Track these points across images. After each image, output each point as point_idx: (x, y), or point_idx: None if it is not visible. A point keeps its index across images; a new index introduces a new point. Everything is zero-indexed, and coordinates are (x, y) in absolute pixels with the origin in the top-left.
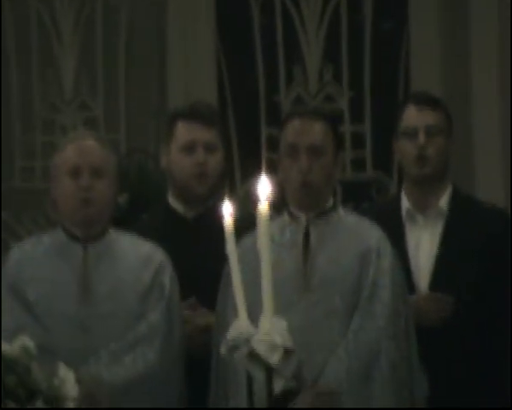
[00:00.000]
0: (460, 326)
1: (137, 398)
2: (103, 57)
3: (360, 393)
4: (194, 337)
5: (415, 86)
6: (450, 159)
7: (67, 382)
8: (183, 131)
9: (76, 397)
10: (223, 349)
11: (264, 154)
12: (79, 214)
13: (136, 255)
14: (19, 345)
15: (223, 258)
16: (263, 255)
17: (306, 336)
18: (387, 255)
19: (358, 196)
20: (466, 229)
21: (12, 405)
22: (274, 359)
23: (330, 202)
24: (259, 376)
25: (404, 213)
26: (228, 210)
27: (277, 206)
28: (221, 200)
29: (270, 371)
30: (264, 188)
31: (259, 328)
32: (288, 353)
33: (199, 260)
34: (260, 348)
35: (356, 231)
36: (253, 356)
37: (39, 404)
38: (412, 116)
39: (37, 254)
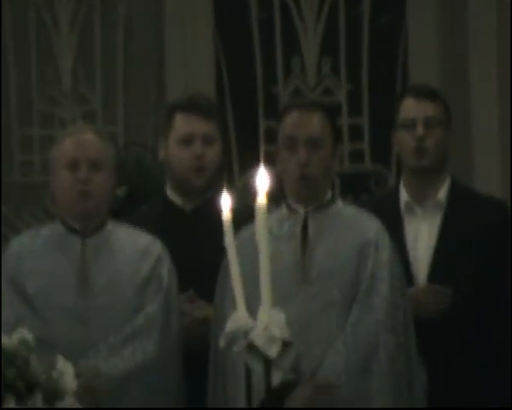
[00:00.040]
0: (458, 318)
1: (136, 390)
2: (101, 50)
3: (358, 386)
4: (192, 330)
5: (412, 79)
6: (448, 151)
7: (66, 374)
8: (182, 124)
9: (75, 390)
10: (221, 342)
11: (263, 146)
12: (78, 207)
13: (134, 248)
14: (18, 338)
15: (221, 250)
16: (261, 248)
17: (304, 328)
18: (386, 248)
19: (357, 189)
20: (464, 220)
21: (11, 398)
22: (272, 351)
23: (329, 195)
24: (258, 368)
25: (402, 205)
26: (226, 202)
27: (275, 198)
28: (219, 192)
29: (268, 363)
30: (262, 180)
31: (258, 320)
32: (286, 345)
33: (197, 253)
34: (259, 341)
35: (354, 224)
36: (252, 349)
37: (38, 397)
38: (411, 108)
39: (35, 247)
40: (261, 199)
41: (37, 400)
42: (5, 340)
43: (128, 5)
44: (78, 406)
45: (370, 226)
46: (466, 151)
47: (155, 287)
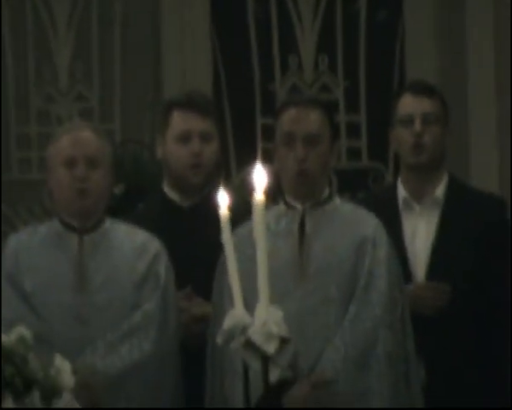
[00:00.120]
0: (456, 315)
1: (133, 387)
2: (98, 47)
3: (357, 382)
4: (189, 327)
5: (410, 76)
6: (446, 148)
7: (64, 372)
8: (179, 121)
9: (72, 387)
10: (219, 338)
11: (260, 143)
12: (75, 205)
13: (131, 245)
14: (16, 335)
15: (218, 247)
16: (258, 244)
17: (302, 324)
18: (383, 245)
19: (354, 186)
20: (462, 217)
21: (9, 395)
22: (270, 348)
23: (326, 192)
24: (255, 365)
25: (400, 201)
26: (223, 199)
27: (273, 195)
28: (217, 189)
29: (266, 360)
30: (259, 177)
31: (255, 317)
32: (284, 342)
33: (194, 250)
34: (256, 338)
35: (352, 220)
36: (249, 345)
37: (36, 394)
38: (408, 104)
39: (33, 245)
40: (258, 196)
41: (35, 397)
42: (3, 337)
43: (125, 2)
44: (75, 403)
45: (368, 223)
46: (463, 148)
47: (153, 284)
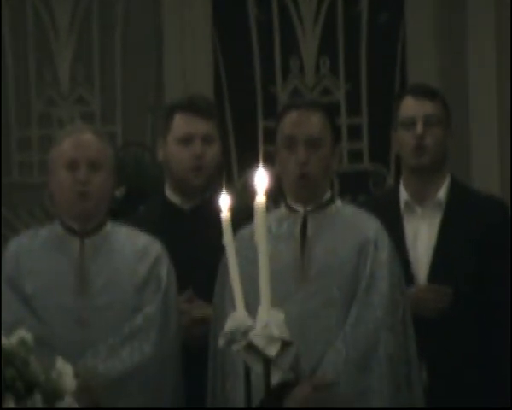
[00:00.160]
0: (458, 317)
1: (134, 390)
2: (100, 50)
3: (358, 384)
4: (190, 329)
5: (411, 79)
6: (448, 150)
7: (65, 375)
8: (181, 124)
9: (74, 390)
10: (220, 341)
11: (261, 146)
12: (76, 208)
13: (132, 248)
14: (17, 338)
15: (220, 250)
16: (260, 247)
17: (304, 326)
18: (385, 247)
19: (356, 189)
20: (464, 219)
21: (11, 398)
22: (272, 351)
23: (328, 194)
24: (257, 368)
25: (402, 204)
26: (225, 202)
27: (275, 198)
28: (218, 192)
29: (267, 363)
30: (261, 180)
31: (257, 320)
32: (285, 345)
33: (196, 252)
34: (258, 341)
35: (354, 223)
36: (251, 348)
37: (37, 397)
38: (410, 106)
39: (34, 248)
40: (260, 199)
41: (37, 400)
42: (4, 340)
43: (126, 5)
44: (76, 406)
45: (370, 225)
46: (464, 149)
47: (154, 287)
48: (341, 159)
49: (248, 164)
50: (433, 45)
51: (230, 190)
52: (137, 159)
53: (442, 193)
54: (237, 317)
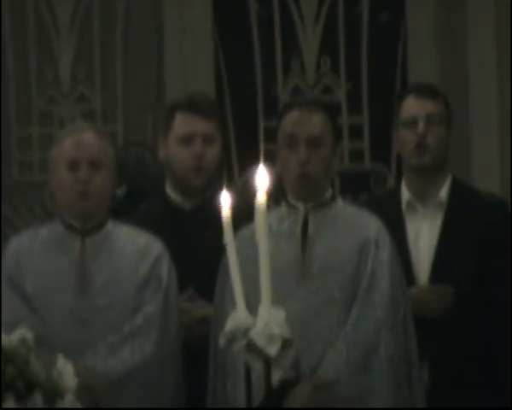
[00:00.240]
0: (460, 317)
1: (134, 389)
2: (101, 49)
3: (358, 384)
4: (191, 328)
5: (412, 77)
6: (449, 150)
7: (66, 374)
8: (182, 123)
9: (74, 389)
10: (221, 340)
11: (262, 145)
12: (77, 207)
13: (133, 247)
14: (17, 337)
15: (221, 249)
16: (261, 246)
17: (305, 325)
18: (386, 247)
19: (356, 188)
20: (465, 219)
21: (11, 397)
22: (272, 350)
23: (329, 193)
24: (258, 367)
25: (404, 203)
26: (226, 201)
27: (275, 197)
28: (219, 191)
29: (268, 362)
30: (262, 179)
31: (258, 319)
32: (286, 344)
33: (196, 252)
34: (258, 339)
35: (355, 222)
36: (252, 347)
37: (38, 396)
38: (412, 105)
39: (34, 247)
40: (261, 197)
41: (37, 399)
42: (5, 339)
43: (127, 3)
44: (77, 404)
45: (371, 225)
46: (465, 149)
47: (154, 286)
48: (342, 158)
49: (249, 163)
50: (434, 45)
51: (231, 188)
52: (138, 158)
53: (444, 193)
54: (238, 316)
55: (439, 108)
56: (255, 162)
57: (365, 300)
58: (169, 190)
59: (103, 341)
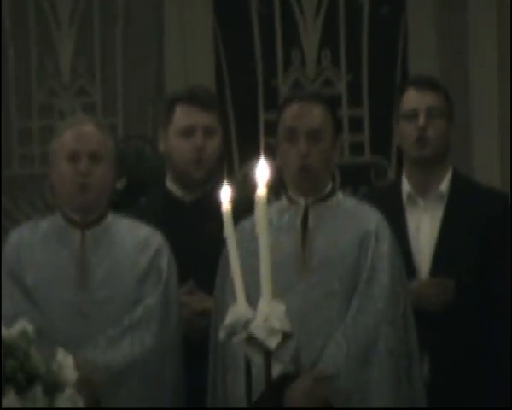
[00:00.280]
0: (460, 310)
1: (134, 382)
2: (101, 42)
3: (358, 377)
4: (191, 321)
5: (412, 70)
6: (450, 142)
7: (66, 366)
8: (182, 116)
9: (75, 382)
10: (221, 333)
11: (263, 138)
12: (77, 200)
13: (133, 240)
14: (18, 330)
15: (221, 242)
16: (261, 239)
17: (305, 319)
18: (386, 239)
19: (357, 181)
20: (466, 212)
21: (11, 390)
22: (272, 343)
23: (329, 187)
24: (258, 360)
25: (404, 196)
26: (226, 194)
27: (276, 190)
28: (219, 184)
29: (268, 355)
30: (262, 172)
31: (258, 312)
32: (286, 337)
33: (197, 244)
34: (258, 333)
35: (355, 215)
36: (252, 340)
37: (38, 389)
38: (412, 98)
39: (35, 240)
40: (261, 190)
41: (37, 392)
42: (5, 332)
43: None
44: (78, 397)
45: (371, 218)
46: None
47: (155, 279)
48: (342, 151)
49: (249, 156)
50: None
51: (231, 181)
52: (138, 151)
53: (444, 185)
54: (238, 309)
55: (440, 101)
56: (255, 155)
57: (365, 292)
58: (169, 183)
59: (103, 334)
